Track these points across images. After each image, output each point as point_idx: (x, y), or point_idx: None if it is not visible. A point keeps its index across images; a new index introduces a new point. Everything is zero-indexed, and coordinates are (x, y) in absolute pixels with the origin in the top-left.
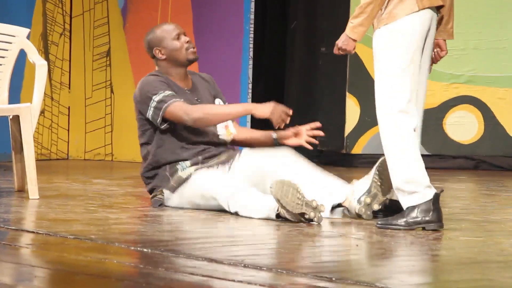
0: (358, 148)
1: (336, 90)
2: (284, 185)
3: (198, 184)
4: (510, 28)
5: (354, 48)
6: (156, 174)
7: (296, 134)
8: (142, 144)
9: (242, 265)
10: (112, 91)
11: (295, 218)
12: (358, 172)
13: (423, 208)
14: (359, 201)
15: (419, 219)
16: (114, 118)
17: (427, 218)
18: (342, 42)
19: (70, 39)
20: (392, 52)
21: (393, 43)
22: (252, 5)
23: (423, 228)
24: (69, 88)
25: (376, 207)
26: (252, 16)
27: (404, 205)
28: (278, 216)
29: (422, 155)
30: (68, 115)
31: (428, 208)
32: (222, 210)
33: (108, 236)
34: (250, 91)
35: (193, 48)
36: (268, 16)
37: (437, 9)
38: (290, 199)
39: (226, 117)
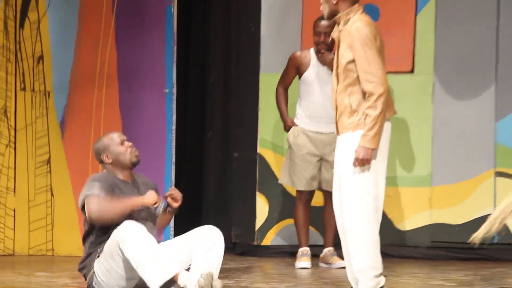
0: (268, 240)
1: (247, 190)
2: (214, 281)
3: (118, 233)
4: None
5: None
6: (89, 258)
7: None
8: (85, 237)
9: None
10: (52, 194)
11: None
12: (268, 261)
13: None
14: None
15: None
16: (54, 217)
17: None
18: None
19: (14, 149)
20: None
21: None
22: (174, 117)
23: None
24: (14, 192)
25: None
26: (174, 127)
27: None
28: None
29: None
30: (14, 216)
31: None
32: None
33: None
34: None
35: (136, 152)
36: (188, 126)
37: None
38: None
39: (123, 210)
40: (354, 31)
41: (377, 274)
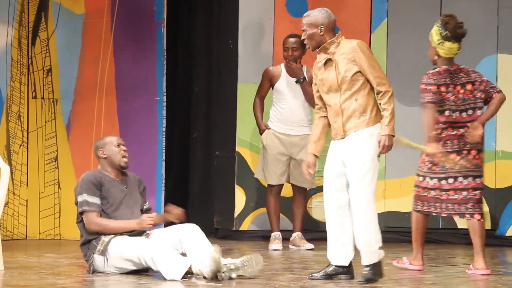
0: (245, 226)
1: (227, 183)
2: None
3: (122, 248)
4: None
5: None
6: (88, 245)
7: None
8: (78, 223)
9: None
10: (59, 187)
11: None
12: (245, 243)
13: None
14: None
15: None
16: (61, 207)
17: (382, 271)
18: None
19: (27, 149)
20: (375, 150)
21: (375, 142)
22: (164, 121)
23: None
24: (27, 185)
25: (234, 275)
26: (164, 129)
27: (372, 259)
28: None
29: None
30: (26, 206)
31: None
32: (146, 272)
33: None
34: (163, 186)
35: (126, 158)
36: (176, 129)
37: None
38: None
39: (121, 230)
40: (356, 46)
41: (380, 246)
